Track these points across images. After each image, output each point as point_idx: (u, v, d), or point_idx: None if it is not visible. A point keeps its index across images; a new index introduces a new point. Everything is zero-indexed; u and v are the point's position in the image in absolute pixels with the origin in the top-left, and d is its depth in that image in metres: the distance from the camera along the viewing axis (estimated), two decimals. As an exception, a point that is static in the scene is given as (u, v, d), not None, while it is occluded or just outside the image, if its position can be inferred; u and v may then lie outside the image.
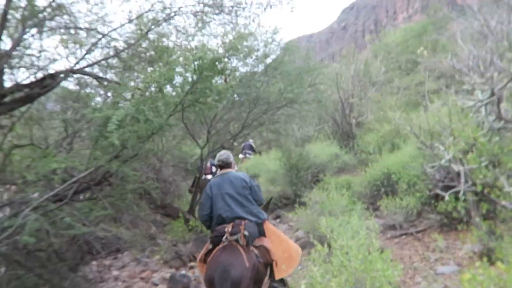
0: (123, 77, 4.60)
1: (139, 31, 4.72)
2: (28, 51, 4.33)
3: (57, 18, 4.41)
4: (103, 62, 4.84)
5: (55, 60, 4.58)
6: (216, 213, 3.46)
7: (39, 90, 4.08)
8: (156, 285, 5.76)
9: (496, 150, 3.87)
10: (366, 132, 11.59)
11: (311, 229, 6.22)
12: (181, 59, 3.71)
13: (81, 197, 4.54)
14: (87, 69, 4.71)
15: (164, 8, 4.63)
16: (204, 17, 4.73)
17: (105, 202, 4.01)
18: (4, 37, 3.97)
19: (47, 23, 4.32)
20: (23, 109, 4.32)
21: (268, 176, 10.57)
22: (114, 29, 4.66)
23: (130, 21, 4.59)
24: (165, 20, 4.60)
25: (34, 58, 4.34)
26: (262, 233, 3.56)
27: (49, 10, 4.20)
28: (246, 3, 4.92)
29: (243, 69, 6.75)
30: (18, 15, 4.03)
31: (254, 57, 6.57)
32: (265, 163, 11.23)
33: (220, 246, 3.18)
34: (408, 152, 7.51)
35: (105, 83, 4.51)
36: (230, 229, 3.22)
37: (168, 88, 3.73)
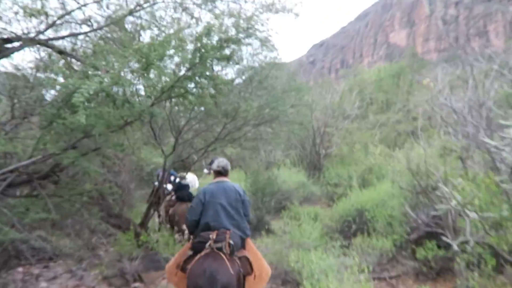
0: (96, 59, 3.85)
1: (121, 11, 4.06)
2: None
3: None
4: (73, 38, 4.11)
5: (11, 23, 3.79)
6: (204, 220, 3.41)
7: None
8: (89, 305, 4.90)
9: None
10: (334, 164, 11.34)
11: (277, 261, 5.63)
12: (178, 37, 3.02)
13: (18, 192, 3.64)
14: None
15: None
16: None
17: (49, 202, 3.15)
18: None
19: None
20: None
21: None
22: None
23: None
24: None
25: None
26: (243, 247, 3.53)
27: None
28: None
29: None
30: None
31: (240, 65, 6.05)
32: (227, 183, 10.54)
33: (203, 253, 3.14)
34: (383, 190, 7.21)
35: (70, 59, 3.72)
36: (214, 237, 3.20)
37: (153, 74, 3.04)
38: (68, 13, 4.15)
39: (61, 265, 6.49)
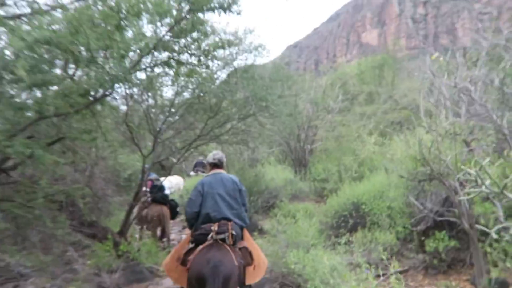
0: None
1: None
2: None
3: None
4: None
5: None
6: (204, 211, 3.40)
7: None
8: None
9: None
10: (321, 159, 10.96)
11: (273, 264, 5.11)
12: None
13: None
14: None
15: None
16: None
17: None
18: None
19: None
20: None
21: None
22: None
23: None
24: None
25: None
26: (242, 237, 3.54)
27: None
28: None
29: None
30: None
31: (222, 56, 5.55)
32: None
33: (206, 244, 3.15)
34: (378, 181, 6.83)
35: None
36: (216, 228, 3.20)
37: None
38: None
39: (33, 283, 5.83)
